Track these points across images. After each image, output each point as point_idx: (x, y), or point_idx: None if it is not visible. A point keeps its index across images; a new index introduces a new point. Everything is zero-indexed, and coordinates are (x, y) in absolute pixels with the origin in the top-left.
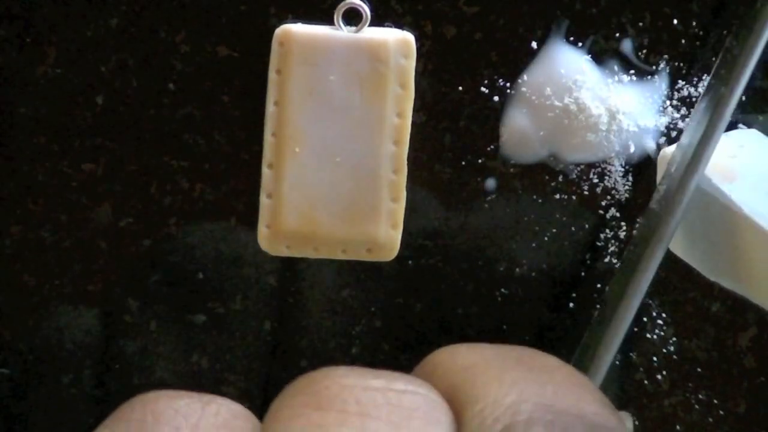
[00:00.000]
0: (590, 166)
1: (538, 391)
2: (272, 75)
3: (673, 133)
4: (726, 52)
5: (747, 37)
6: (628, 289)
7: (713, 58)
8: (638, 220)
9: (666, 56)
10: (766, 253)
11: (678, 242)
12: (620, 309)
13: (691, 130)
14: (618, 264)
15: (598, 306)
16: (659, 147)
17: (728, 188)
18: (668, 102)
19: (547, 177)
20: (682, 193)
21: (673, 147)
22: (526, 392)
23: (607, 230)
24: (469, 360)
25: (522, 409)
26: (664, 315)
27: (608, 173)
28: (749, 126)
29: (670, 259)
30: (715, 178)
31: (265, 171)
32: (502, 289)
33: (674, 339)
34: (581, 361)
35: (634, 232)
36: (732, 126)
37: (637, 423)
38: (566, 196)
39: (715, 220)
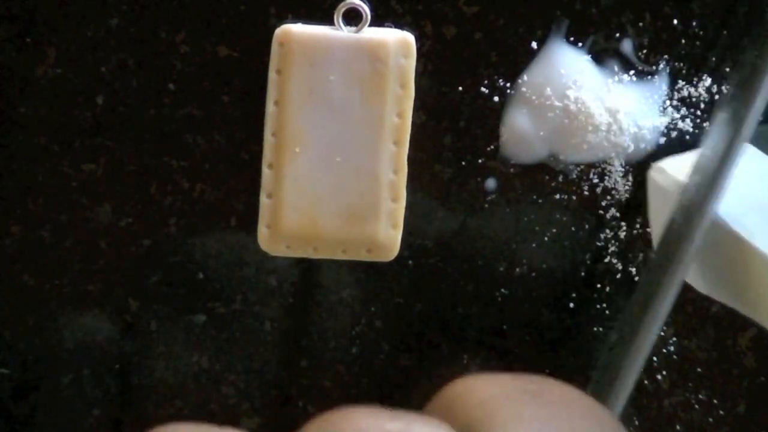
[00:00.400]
0: (590, 166)
1: (557, 425)
2: (272, 75)
3: (673, 134)
4: (747, 68)
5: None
6: (646, 315)
7: (713, 58)
8: (654, 247)
9: (666, 56)
10: (753, 266)
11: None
12: (639, 336)
13: (708, 150)
14: (618, 264)
15: (612, 328)
16: (659, 148)
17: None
18: (668, 102)
19: (547, 177)
20: (699, 219)
21: (663, 162)
22: (542, 428)
23: (607, 230)
24: (486, 394)
25: None
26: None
27: (608, 173)
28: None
29: None
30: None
31: (265, 171)
32: (502, 289)
33: (674, 339)
34: (600, 387)
35: (652, 255)
36: None
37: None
38: (566, 197)
39: (705, 235)
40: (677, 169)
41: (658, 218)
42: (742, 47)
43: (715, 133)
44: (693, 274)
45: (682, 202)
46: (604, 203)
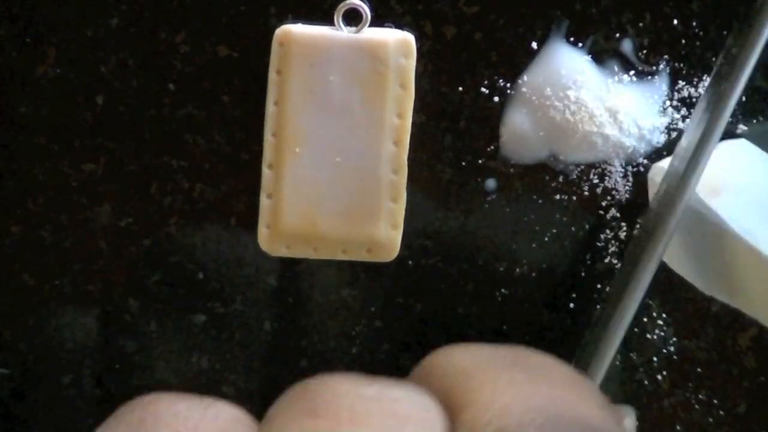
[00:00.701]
0: (590, 166)
1: (532, 393)
2: (272, 75)
3: (673, 134)
4: (726, 53)
5: (746, 39)
6: (626, 292)
7: (713, 58)
8: (638, 221)
9: (666, 56)
10: (753, 267)
11: (673, 257)
12: (618, 311)
13: (689, 133)
14: (618, 264)
15: (598, 306)
16: (659, 149)
17: (715, 203)
18: (668, 102)
19: (547, 177)
20: (679, 199)
21: (663, 162)
22: (519, 394)
23: (607, 230)
24: (464, 362)
25: (514, 412)
26: (664, 315)
27: (608, 174)
28: (738, 135)
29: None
30: (702, 192)
31: (265, 171)
32: (502, 289)
33: (674, 339)
34: (581, 360)
35: (634, 232)
36: (723, 136)
37: (637, 423)
38: (566, 197)
39: (704, 235)
40: None
41: None
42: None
43: (694, 122)
44: (693, 273)
45: (660, 189)
46: (604, 203)
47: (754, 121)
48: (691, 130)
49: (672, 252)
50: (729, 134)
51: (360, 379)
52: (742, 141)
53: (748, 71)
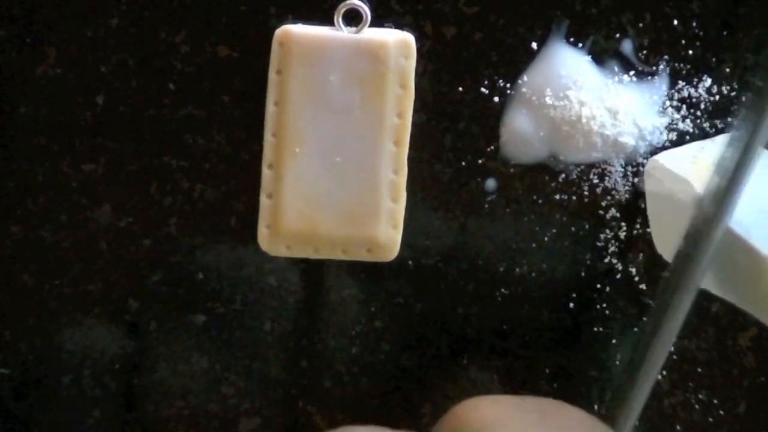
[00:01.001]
0: (590, 166)
1: None
2: (272, 75)
3: (673, 134)
4: (754, 89)
5: None
6: (659, 333)
7: (713, 59)
8: (670, 263)
9: (666, 56)
10: (747, 262)
11: (671, 252)
12: (651, 356)
13: (721, 168)
14: (618, 264)
15: (598, 306)
16: (655, 151)
17: (706, 196)
18: (668, 102)
19: (547, 177)
20: (712, 236)
21: (660, 156)
22: None
23: (607, 230)
24: (490, 415)
25: None
26: None
27: (608, 174)
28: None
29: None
30: (698, 187)
31: (265, 171)
32: (502, 289)
33: (674, 339)
34: (613, 406)
35: (665, 273)
36: (723, 130)
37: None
38: (566, 197)
39: (699, 228)
40: (673, 162)
41: (656, 212)
42: (743, 47)
43: (733, 140)
44: (707, 279)
45: (698, 212)
46: (604, 203)
47: None
48: (728, 149)
49: (670, 246)
50: None
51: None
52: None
53: None
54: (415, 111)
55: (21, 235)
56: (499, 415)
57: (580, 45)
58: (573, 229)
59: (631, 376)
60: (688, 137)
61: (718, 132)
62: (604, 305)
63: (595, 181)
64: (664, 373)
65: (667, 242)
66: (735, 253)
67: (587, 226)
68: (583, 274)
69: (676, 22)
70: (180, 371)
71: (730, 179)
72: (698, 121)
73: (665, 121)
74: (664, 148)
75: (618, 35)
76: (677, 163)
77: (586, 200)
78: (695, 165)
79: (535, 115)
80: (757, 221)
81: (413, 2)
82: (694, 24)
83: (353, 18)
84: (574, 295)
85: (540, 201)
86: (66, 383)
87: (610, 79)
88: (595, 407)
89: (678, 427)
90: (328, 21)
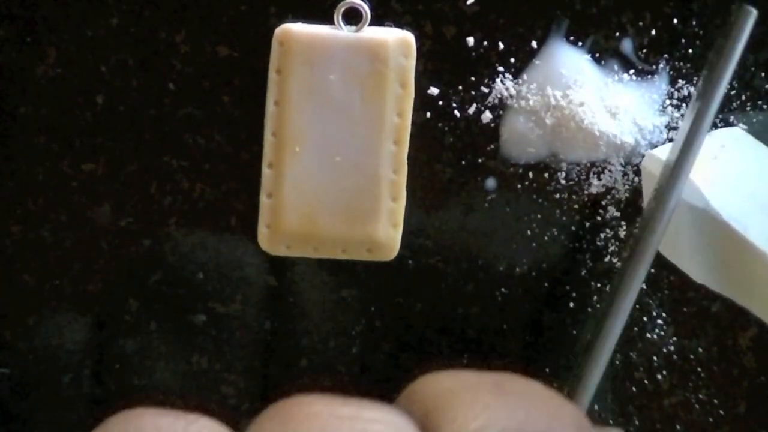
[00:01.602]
0: (590, 166)
1: (509, 414)
2: (272, 75)
3: (673, 133)
4: (715, 47)
5: (730, 31)
6: (623, 287)
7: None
8: (637, 222)
9: (666, 56)
10: (744, 257)
11: (668, 246)
12: (615, 306)
13: (682, 126)
14: (618, 264)
15: (598, 306)
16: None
17: (708, 192)
18: (668, 101)
19: (547, 177)
20: (672, 191)
21: (657, 150)
22: (494, 416)
23: (607, 230)
24: (446, 386)
25: (486, 430)
26: (664, 315)
27: (608, 173)
28: (736, 123)
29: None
30: (696, 181)
31: (266, 171)
32: (502, 289)
33: (674, 339)
34: (579, 365)
35: (634, 230)
36: (718, 125)
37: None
38: (566, 196)
39: (698, 225)
40: (668, 154)
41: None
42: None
43: (687, 116)
44: (687, 263)
45: (655, 189)
46: (604, 203)
47: (754, 119)
48: (684, 123)
49: (667, 241)
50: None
51: (335, 399)
52: (736, 130)
53: (733, 64)
54: (415, 110)
55: (21, 235)
56: (453, 385)
57: (580, 44)
58: (573, 228)
59: (588, 351)
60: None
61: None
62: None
63: (595, 180)
64: (664, 372)
65: (665, 238)
66: (733, 250)
67: (587, 226)
68: (583, 274)
69: (676, 21)
70: (180, 371)
71: (681, 149)
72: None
73: (665, 120)
74: (663, 147)
75: (618, 34)
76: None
77: (586, 200)
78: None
79: (535, 115)
80: (755, 217)
81: (413, 1)
82: (694, 23)
83: (353, 17)
84: (574, 295)
85: (540, 201)
86: (66, 383)
87: (610, 79)
88: (595, 407)
89: (678, 427)
90: (328, 20)
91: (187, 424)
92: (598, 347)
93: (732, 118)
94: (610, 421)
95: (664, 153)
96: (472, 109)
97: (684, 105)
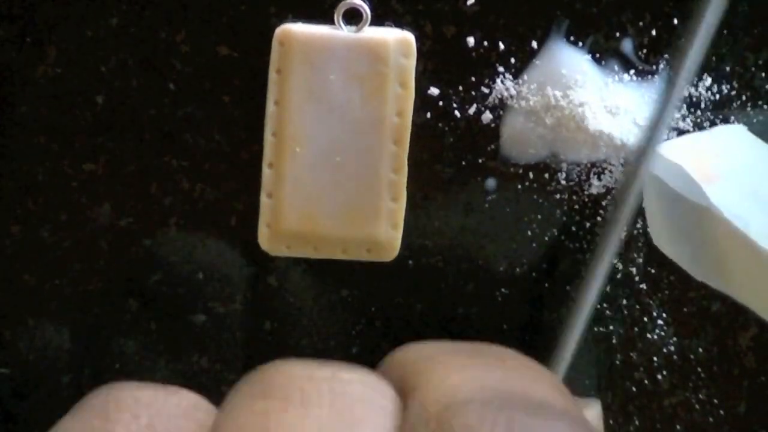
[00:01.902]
0: (590, 166)
1: (484, 374)
2: (272, 75)
3: (673, 133)
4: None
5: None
6: (587, 281)
7: (713, 57)
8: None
9: (666, 56)
10: (743, 253)
11: (666, 242)
12: (579, 304)
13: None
14: (618, 263)
15: (597, 306)
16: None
17: (708, 189)
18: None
19: (547, 177)
20: (635, 184)
21: (676, 140)
22: (470, 375)
23: None
24: (424, 352)
25: (462, 390)
26: (664, 315)
27: (608, 173)
28: (737, 122)
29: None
30: (696, 177)
31: (266, 171)
32: (502, 289)
33: (674, 339)
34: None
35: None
36: (718, 124)
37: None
38: (566, 196)
39: (697, 220)
40: (671, 152)
41: (652, 203)
42: (743, 47)
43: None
44: (685, 258)
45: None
46: (604, 203)
47: (754, 119)
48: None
49: (665, 237)
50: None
51: (314, 362)
52: (738, 127)
53: (699, 45)
54: (415, 110)
55: (21, 235)
56: (430, 351)
57: (581, 44)
58: (573, 228)
59: (562, 323)
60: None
61: None
62: (604, 305)
63: (595, 180)
64: (664, 372)
65: (662, 232)
66: (734, 248)
67: (587, 226)
68: (583, 274)
69: (676, 21)
70: (180, 371)
71: (650, 126)
72: (698, 119)
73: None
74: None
75: (618, 34)
76: (675, 152)
77: (586, 200)
78: (690, 153)
79: (536, 115)
80: (757, 215)
81: (413, 1)
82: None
83: (353, 17)
84: (574, 294)
85: (540, 201)
86: (66, 383)
87: (610, 79)
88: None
89: (678, 427)
90: (328, 20)
91: (166, 395)
92: (572, 318)
93: (732, 118)
94: (610, 421)
95: (665, 149)
96: (472, 110)
97: (684, 105)
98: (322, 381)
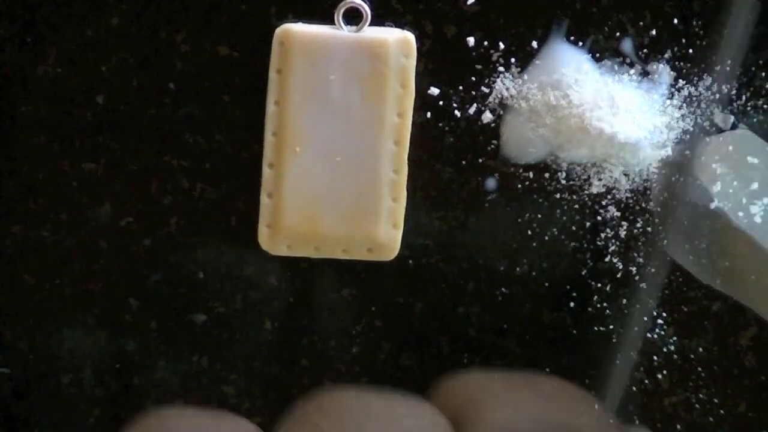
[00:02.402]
0: (590, 165)
1: (535, 408)
2: (273, 74)
3: (674, 133)
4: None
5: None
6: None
7: (713, 58)
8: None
9: (666, 56)
10: (750, 257)
11: (673, 246)
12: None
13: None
14: (618, 263)
15: (598, 306)
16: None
17: (715, 192)
18: (668, 101)
19: (547, 177)
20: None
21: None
22: (521, 408)
23: (608, 230)
24: (477, 383)
25: (514, 423)
26: (664, 315)
27: (608, 173)
28: (737, 123)
29: (669, 260)
30: (704, 181)
31: (266, 170)
32: (503, 289)
33: (674, 338)
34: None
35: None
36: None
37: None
38: (566, 196)
39: (704, 224)
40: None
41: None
42: (743, 47)
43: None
44: (692, 262)
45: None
46: (604, 203)
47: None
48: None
49: (674, 242)
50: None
51: (368, 393)
52: (743, 131)
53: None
54: (416, 110)
55: (21, 235)
56: (485, 382)
57: (581, 44)
58: (573, 228)
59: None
60: (688, 136)
61: (719, 131)
62: (604, 305)
63: (595, 180)
64: (664, 372)
65: (668, 235)
66: (739, 250)
67: (587, 226)
68: (583, 273)
69: (676, 21)
70: (180, 371)
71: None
72: (698, 120)
73: (665, 120)
74: (664, 146)
75: (618, 34)
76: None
77: (586, 200)
78: (698, 156)
79: (536, 115)
80: (762, 217)
81: (413, 1)
82: (694, 23)
83: (354, 17)
84: (574, 294)
85: (540, 201)
86: (66, 383)
87: (610, 79)
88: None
89: (678, 427)
90: (329, 20)
91: (220, 423)
92: (621, 348)
93: (732, 118)
94: (610, 421)
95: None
96: (472, 109)
97: (684, 105)
98: (378, 416)
